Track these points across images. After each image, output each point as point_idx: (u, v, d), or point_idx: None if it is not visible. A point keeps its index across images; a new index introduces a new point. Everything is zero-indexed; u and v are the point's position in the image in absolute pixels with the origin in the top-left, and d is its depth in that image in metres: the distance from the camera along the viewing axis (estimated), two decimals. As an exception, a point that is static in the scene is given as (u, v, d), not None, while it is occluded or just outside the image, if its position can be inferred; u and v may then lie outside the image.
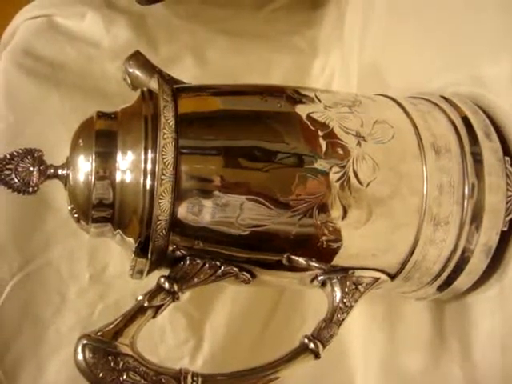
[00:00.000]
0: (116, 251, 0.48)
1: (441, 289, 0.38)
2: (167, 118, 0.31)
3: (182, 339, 0.49)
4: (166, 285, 0.31)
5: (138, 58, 0.39)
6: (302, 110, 0.33)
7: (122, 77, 0.39)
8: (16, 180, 0.33)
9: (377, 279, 0.35)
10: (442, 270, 0.36)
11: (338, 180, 0.32)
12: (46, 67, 0.53)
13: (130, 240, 0.33)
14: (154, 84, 0.35)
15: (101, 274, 0.49)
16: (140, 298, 0.31)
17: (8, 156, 0.33)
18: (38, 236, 0.48)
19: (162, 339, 0.48)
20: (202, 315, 0.49)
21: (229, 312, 0.50)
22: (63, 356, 0.46)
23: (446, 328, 0.41)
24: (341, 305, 0.34)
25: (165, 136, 0.31)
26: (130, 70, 0.38)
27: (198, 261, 0.33)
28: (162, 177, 0.30)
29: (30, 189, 0.33)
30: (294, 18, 0.61)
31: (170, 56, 0.56)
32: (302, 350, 0.32)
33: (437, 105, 0.38)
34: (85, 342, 0.29)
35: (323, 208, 0.32)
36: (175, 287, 0.31)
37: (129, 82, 0.39)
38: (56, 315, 0.47)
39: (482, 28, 0.39)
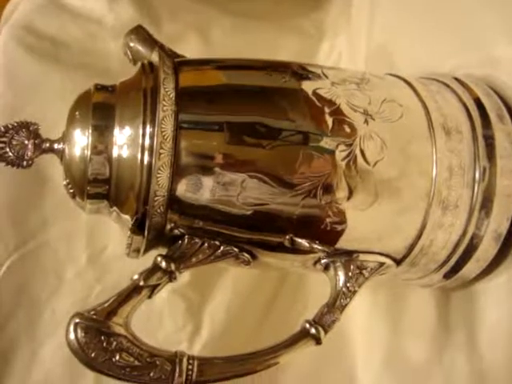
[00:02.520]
0: (115, 232, 0.47)
1: (447, 276, 0.37)
2: (167, 90, 0.30)
3: (180, 324, 0.47)
4: (163, 264, 0.30)
5: (139, 32, 0.37)
6: (307, 86, 0.32)
7: (123, 51, 0.38)
8: (10, 153, 0.32)
9: (382, 264, 0.34)
10: (450, 256, 0.35)
11: (344, 159, 0.31)
12: (47, 44, 0.51)
13: (127, 218, 0.32)
14: (155, 57, 0.34)
15: (99, 255, 0.48)
16: (136, 277, 0.30)
17: (2, 129, 0.32)
18: (35, 216, 0.47)
19: (159, 324, 0.47)
20: (201, 300, 0.48)
21: (229, 297, 0.49)
22: (59, 338, 0.44)
23: (451, 317, 0.40)
24: (344, 289, 0.32)
25: (164, 108, 0.29)
26: (132, 45, 0.37)
27: (197, 240, 0.31)
28: (161, 150, 0.29)
29: (25, 162, 0.32)
30: (301, 0, 0.60)
31: (174, 35, 0.54)
32: (302, 335, 0.31)
33: (448, 86, 0.37)
34: (77, 320, 0.28)
35: (328, 188, 0.31)
36: (172, 266, 0.30)
37: (130, 56, 0.37)
38: (52, 297, 0.46)
39: (494, 8, 0.38)
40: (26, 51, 0.50)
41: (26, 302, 0.46)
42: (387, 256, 0.34)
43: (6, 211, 0.46)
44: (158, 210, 0.30)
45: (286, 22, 0.58)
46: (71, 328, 0.28)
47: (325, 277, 0.35)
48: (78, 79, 0.51)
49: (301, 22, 0.59)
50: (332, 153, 0.31)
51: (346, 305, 0.32)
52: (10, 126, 0.32)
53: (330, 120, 0.31)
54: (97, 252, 0.48)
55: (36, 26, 0.52)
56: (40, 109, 0.49)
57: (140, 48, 0.37)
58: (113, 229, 0.47)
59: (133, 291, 0.30)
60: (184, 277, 0.48)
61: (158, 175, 0.29)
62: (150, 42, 0.37)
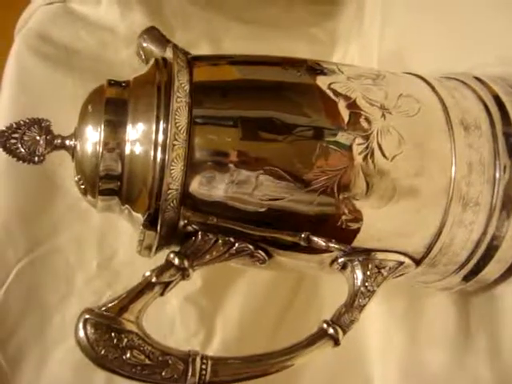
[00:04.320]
0: (125, 238, 0.47)
1: (467, 278, 0.35)
2: (181, 82, 0.29)
3: (192, 331, 0.47)
4: (176, 260, 0.29)
5: (152, 33, 0.37)
6: (323, 81, 0.32)
7: (136, 52, 0.38)
8: (22, 149, 0.31)
9: (401, 263, 0.33)
10: (470, 256, 0.34)
11: (362, 152, 0.30)
12: (60, 52, 0.52)
13: (138, 216, 0.31)
14: (168, 54, 0.34)
15: (109, 261, 0.47)
16: (148, 273, 0.29)
17: (14, 125, 0.32)
18: (45, 221, 0.47)
19: (171, 331, 0.46)
20: (213, 307, 0.47)
21: (242, 304, 0.48)
22: (69, 343, 0.44)
23: (471, 323, 0.39)
24: (362, 289, 0.31)
25: (178, 99, 0.29)
26: (145, 45, 0.37)
27: (211, 236, 0.31)
28: (175, 142, 0.28)
29: (36, 158, 0.31)
30: (313, 9, 0.60)
31: (186, 43, 0.53)
32: (320, 336, 0.30)
33: (465, 83, 0.36)
34: (87, 316, 0.27)
35: (345, 183, 0.30)
36: (185, 263, 0.29)
37: (143, 57, 0.37)
38: (62, 302, 0.46)
39: (505, 8, 0.37)
40: (39, 59, 0.51)
41: (36, 307, 0.45)
42: (406, 255, 0.33)
43: (17, 216, 0.46)
44: (171, 205, 0.29)
45: (298, 30, 0.58)
46: (80, 324, 0.27)
47: (342, 278, 0.34)
48: (90, 86, 0.50)
49: (313, 29, 0.59)
50: (349, 147, 0.30)
51: (364, 305, 0.31)
52: (22, 123, 0.32)
53: (346, 114, 0.31)
54: (107, 257, 0.47)
55: (50, 34, 0.52)
56: (52, 116, 0.49)
57: (153, 48, 0.36)
58: (123, 234, 0.47)
59: (145, 288, 0.29)
60: (196, 284, 0.47)
61: (172, 167, 0.29)
62: (163, 41, 0.37)
